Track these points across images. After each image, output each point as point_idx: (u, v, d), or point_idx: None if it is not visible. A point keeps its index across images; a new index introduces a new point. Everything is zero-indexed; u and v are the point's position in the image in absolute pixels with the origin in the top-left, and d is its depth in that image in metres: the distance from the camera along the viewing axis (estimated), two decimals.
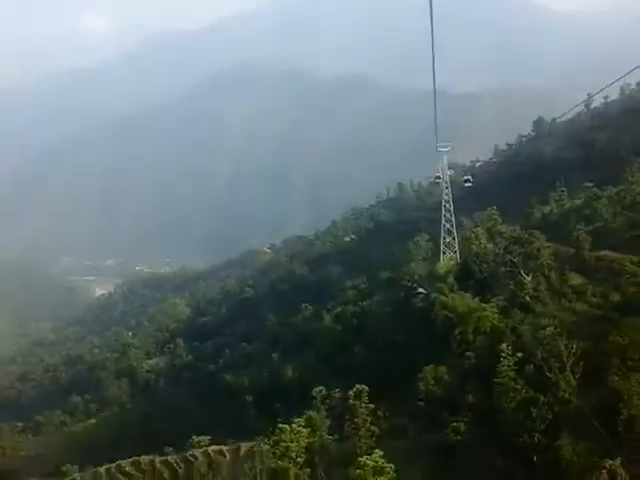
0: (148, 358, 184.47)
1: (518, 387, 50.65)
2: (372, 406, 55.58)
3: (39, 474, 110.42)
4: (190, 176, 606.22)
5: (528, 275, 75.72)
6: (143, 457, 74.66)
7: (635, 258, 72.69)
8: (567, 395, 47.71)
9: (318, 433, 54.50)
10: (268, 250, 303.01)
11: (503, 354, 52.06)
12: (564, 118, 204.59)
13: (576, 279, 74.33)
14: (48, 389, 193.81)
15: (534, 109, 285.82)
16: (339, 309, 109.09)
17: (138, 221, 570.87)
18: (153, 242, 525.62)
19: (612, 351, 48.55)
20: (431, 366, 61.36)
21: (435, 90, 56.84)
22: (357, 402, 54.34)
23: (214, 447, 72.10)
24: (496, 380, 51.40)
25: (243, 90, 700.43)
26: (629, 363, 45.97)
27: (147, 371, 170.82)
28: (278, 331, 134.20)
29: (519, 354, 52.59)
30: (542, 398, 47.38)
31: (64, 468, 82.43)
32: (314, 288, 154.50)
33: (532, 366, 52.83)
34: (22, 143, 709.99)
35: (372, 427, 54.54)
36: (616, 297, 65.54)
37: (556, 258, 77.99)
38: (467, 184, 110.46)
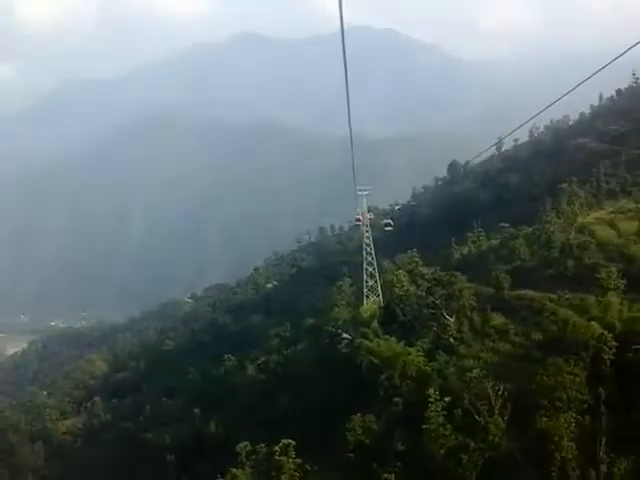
0: (64, 419, 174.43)
1: (447, 433, 49.67)
2: (299, 460, 53.20)
3: None
4: (107, 224, 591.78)
5: (451, 316, 75.70)
6: None
7: (553, 296, 73.93)
8: (497, 439, 46.97)
9: None
10: (189, 300, 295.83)
11: (431, 399, 51.08)
12: (476, 161, 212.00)
13: (498, 319, 74.70)
14: None
15: (446, 153, 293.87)
16: (263, 359, 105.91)
17: (52, 273, 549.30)
18: (68, 294, 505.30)
19: (539, 392, 48.19)
20: (359, 415, 59.52)
21: (351, 134, 56.22)
22: (284, 457, 51.84)
23: None
24: (425, 426, 50.31)
25: (161, 138, 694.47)
26: (557, 404, 45.66)
27: (63, 433, 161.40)
28: (200, 384, 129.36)
29: (447, 398, 51.74)
30: (472, 444, 46.46)
31: None
32: (237, 338, 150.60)
33: (460, 410, 52.07)
34: None
35: None
36: (538, 336, 66.05)
37: (477, 298, 78.19)
38: (387, 228, 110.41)
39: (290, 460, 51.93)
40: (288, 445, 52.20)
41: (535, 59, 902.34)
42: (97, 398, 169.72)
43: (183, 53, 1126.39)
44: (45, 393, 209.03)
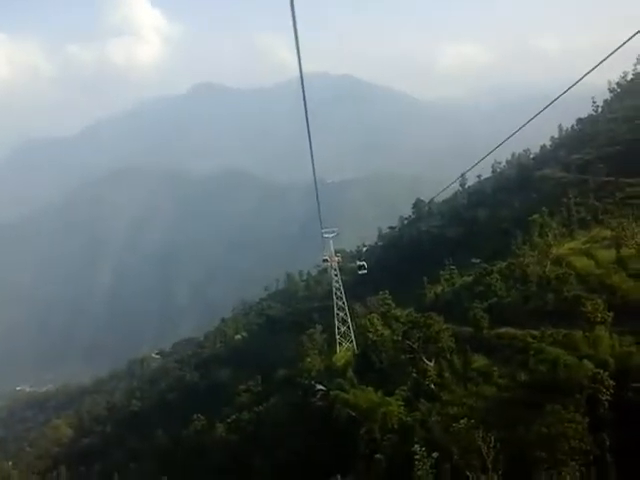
0: None
1: None
2: None
3: None
4: (71, 283, 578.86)
5: (430, 360, 71.02)
6: None
7: (535, 332, 69.80)
8: None
9: None
10: (157, 356, 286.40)
11: (417, 456, 46.21)
12: (441, 198, 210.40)
13: (480, 360, 70.15)
14: None
15: (409, 192, 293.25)
16: (233, 417, 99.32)
17: (17, 334, 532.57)
18: (35, 356, 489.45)
19: (538, 443, 43.46)
20: (338, 478, 53.91)
21: (315, 177, 52.80)
22: None
23: None
24: None
25: (126, 192, 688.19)
26: (558, 456, 41.02)
27: None
28: (169, 447, 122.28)
29: (435, 454, 46.91)
30: None
31: None
32: (206, 395, 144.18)
33: (449, 466, 47.21)
34: None
35: None
36: (523, 376, 61.53)
37: (456, 339, 73.53)
38: (362, 271, 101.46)
39: None
40: None
41: (489, 96, 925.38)
42: (62, 467, 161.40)
43: (143, 105, 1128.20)
44: (10, 463, 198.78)
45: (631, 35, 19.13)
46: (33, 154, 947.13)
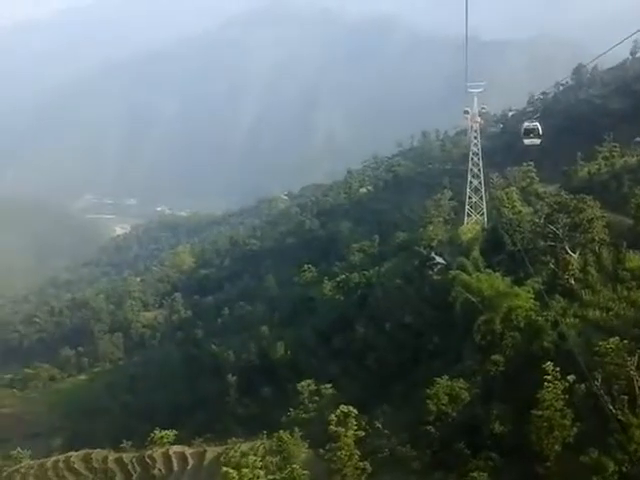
0: (146, 311, 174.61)
1: (567, 423, 36.03)
2: (362, 433, 41.34)
3: (18, 435, 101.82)
4: (214, 119, 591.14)
5: (574, 252, 59.39)
6: (97, 452, 63.74)
7: None
8: None
9: (288, 467, 39.79)
10: (285, 197, 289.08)
11: (548, 376, 36.88)
12: (605, 67, 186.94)
13: (636, 260, 57.70)
14: (48, 336, 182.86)
15: (569, 59, 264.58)
16: (342, 276, 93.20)
17: (162, 159, 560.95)
18: (177, 181, 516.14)
19: None
20: (445, 379, 45.75)
21: (467, 25, 43.08)
22: (341, 429, 39.86)
23: (177, 448, 60.00)
24: (535, 412, 36.53)
25: (269, 30, 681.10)
26: None
27: (143, 326, 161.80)
28: (277, 293, 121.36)
29: (570, 377, 37.50)
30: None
31: (13, 452, 69.69)
32: (322, 245, 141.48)
33: (584, 388, 37.92)
34: (42, 76, 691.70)
35: (361, 464, 40.05)
36: None
37: (609, 231, 60.97)
38: (529, 139, 68.46)
39: (350, 433, 40.01)
40: (348, 414, 40.31)
41: None
42: (178, 294, 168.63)
43: None
44: (138, 280, 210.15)
45: None
46: None
